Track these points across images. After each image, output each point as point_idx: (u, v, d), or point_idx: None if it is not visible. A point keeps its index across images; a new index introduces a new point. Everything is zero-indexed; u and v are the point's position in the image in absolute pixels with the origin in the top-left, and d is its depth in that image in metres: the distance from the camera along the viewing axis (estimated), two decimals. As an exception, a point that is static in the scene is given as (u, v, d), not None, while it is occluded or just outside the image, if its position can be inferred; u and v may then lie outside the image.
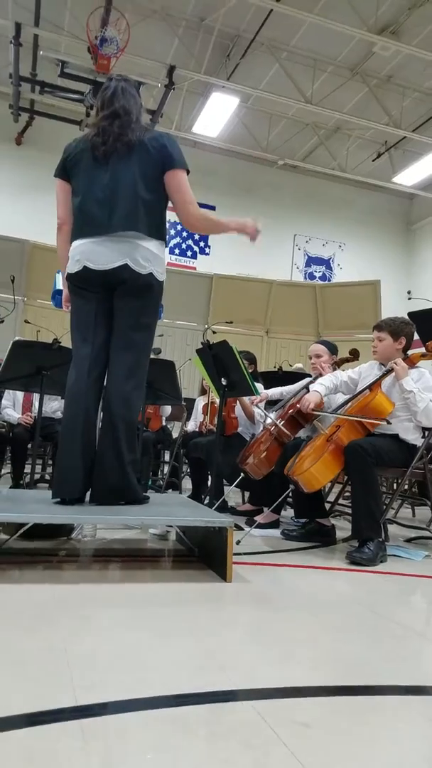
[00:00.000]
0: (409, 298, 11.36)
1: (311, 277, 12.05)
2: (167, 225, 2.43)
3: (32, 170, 9.55)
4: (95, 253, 2.28)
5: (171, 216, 2.41)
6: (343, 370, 3.28)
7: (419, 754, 1.02)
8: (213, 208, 9.72)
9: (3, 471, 4.57)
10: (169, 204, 2.42)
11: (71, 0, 7.94)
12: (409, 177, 10.78)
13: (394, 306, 7.86)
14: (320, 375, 3.44)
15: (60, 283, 2.57)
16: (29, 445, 3.91)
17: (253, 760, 0.95)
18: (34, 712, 1.06)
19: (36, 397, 3.86)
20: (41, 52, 8.01)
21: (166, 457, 5.23)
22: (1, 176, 9.96)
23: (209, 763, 0.94)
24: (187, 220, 2.39)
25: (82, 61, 7.57)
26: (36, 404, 3.75)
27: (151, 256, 2.31)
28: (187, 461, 4.54)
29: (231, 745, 0.99)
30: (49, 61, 7.97)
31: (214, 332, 3.97)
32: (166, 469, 5.19)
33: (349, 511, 3.05)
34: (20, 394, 4.26)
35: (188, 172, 2.36)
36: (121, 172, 2.29)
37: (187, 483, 4.69)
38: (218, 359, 3.26)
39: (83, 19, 7.36)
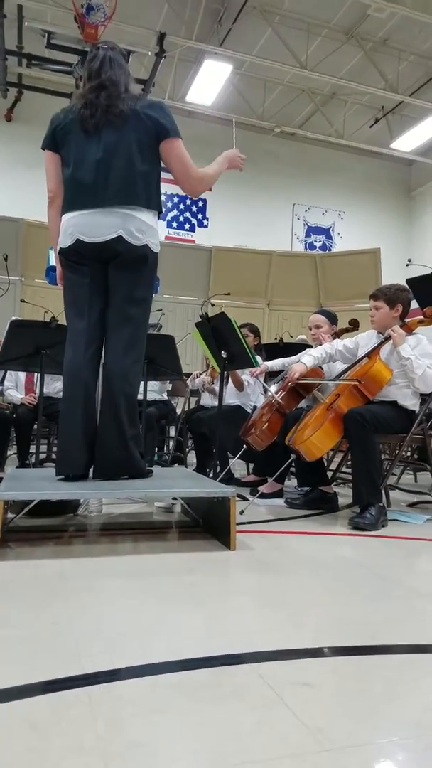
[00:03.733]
0: (408, 265, 11.22)
1: (311, 247, 11.90)
2: (163, 198, 2.39)
3: (24, 147, 9.35)
4: (88, 226, 2.25)
5: (167, 188, 2.36)
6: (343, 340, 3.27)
7: (424, 711, 1.04)
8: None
9: (9, 452, 4.60)
10: (164, 176, 2.37)
11: (55, -34, 7.68)
12: (407, 142, 10.56)
13: (394, 274, 7.74)
14: (321, 345, 3.42)
15: (53, 260, 2.54)
16: (34, 426, 3.93)
17: (255, 720, 0.97)
18: (42, 682, 1.09)
19: (37, 377, 3.87)
20: (26, 24, 7.75)
21: (171, 432, 5.25)
22: (-8, 154, 9.80)
23: (212, 724, 0.96)
24: (189, 188, 2.38)
25: (69, 31, 7.34)
26: (38, 384, 3.76)
27: (145, 227, 2.28)
28: (191, 436, 4.56)
29: (234, 707, 1.01)
30: (35, 33, 7.72)
31: (213, 305, 3.93)
32: (171, 444, 5.22)
33: (351, 478, 3.07)
34: (22, 375, 4.27)
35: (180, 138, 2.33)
36: (114, 143, 2.25)
37: (192, 458, 4.73)
38: (217, 332, 3.24)
39: (68, -14, 7.12)
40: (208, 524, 2.42)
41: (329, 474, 3.34)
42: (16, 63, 8.49)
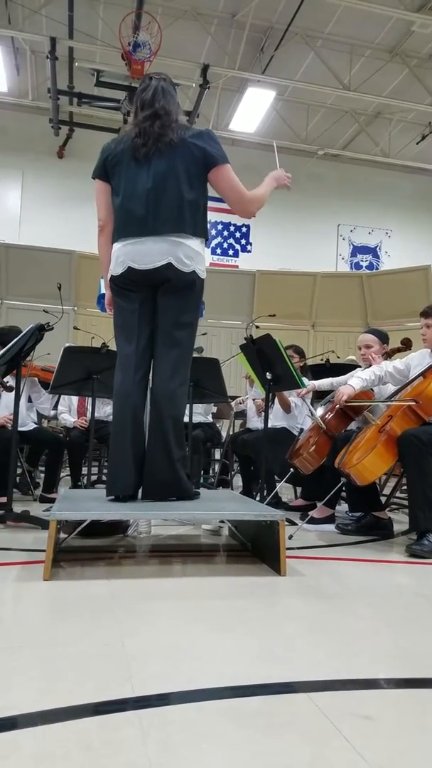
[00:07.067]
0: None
1: (357, 266, 11.79)
2: (208, 225, 2.44)
3: (75, 182, 9.78)
4: (139, 253, 2.31)
5: (211, 216, 2.41)
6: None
7: None
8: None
9: (62, 474, 4.71)
10: (210, 204, 2.42)
11: (103, 9, 8.09)
12: (456, 157, 10.39)
13: (447, 291, 7.59)
14: (371, 366, 3.35)
15: (104, 288, 2.62)
16: (86, 448, 4.02)
17: (311, 753, 0.94)
18: (94, 703, 1.09)
19: (89, 401, 3.96)
20: (77, 64, 8.19)
21: (217, 455, 5.24)
22: (46, 190, 10.27)
23: (265, 755, 0.93)
24: (243, 212, 2.44)
25: (117, 69, 7.71)
26: (89, 408, 3.85)
27: (193, 254, 2.32)
28: (236, 459, 4.54)
29: (288, 738, 0.98)
30: (85, 72, 8.15)
31: (257, 327, 3.94)
32: (216, 467, 5.21)
33: (407, 503, 2.96)
34: (75, 399, 4.39)
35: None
36: (163, 172, 2.30)
37: (237, 481, 4.69)
38: (262, 353, 3.23)
39: (115, 26, 7.48)
40: (256, 548, 2.38)
41: (383, 499, 3.23)
42: (67, 102, 8.96)
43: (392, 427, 2.65)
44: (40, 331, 2.91)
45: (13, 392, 2.96)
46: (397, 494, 3.61)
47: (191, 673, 1.22)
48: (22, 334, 2.84)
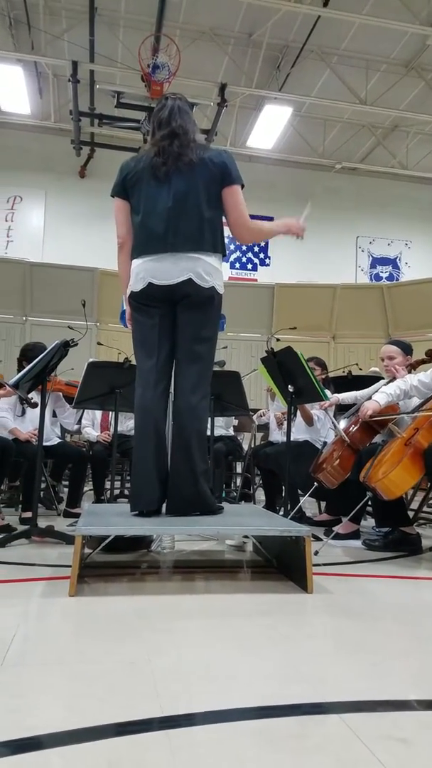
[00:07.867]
0: None
1: (377, 278, 11.72)
2: (227, 241, 2.47)
3: (97, 200, 9.93)
4: (159, 270, 2.33)
5: (229, 232, 2.45)
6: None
7: None
8: (271, 218, 9.71)
9: (86, 488, 4.74)
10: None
11: (123, 32, 8.29)
12: None
13: (470, 301, 7.48)
14: (394, 378, 3.30)
15: (125, 303, 2.65)
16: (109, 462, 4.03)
17: (346, 776, 0.91)
18: (122, 722, 1.08)
19: (112, 415, 3.99)
20: (98, 86, 8.40)
21: (238, 468, 5.21)
22: (68, 209, 10.47)
23: (300, 778, 0.90)
24: (239, 235, 2.47)
25: (136, 90, 7.87)
26: (112, 422, 3.87)
27: (212, 270, 2.35)
28: (259, 472, 4.51)
29: (321, 760, 0.95)
30: (106, 94, 8.34)
31: (278, 340, 3.93)
32: (238, 480, 5.17)
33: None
34: (98, 414, 4.43)
35: (243, 186, 2.42)
36: (184, 191, 2.34)
37: (260, 495, 4.65)
38: (283, 366, 3.22)
39: (135, 49, 7.64)
40: (281, 564, 2.35)
41: (410, 513, 3.17)
42: (88, 123, 9.16)
43: (418, 440, 2.61)
44: (65, 347, 2.94)
45: (38, 408, 2.99)
46: (425, 509, 3.53)
47: (219, 692, 1.20)
48: (47, 350, 2.87)
